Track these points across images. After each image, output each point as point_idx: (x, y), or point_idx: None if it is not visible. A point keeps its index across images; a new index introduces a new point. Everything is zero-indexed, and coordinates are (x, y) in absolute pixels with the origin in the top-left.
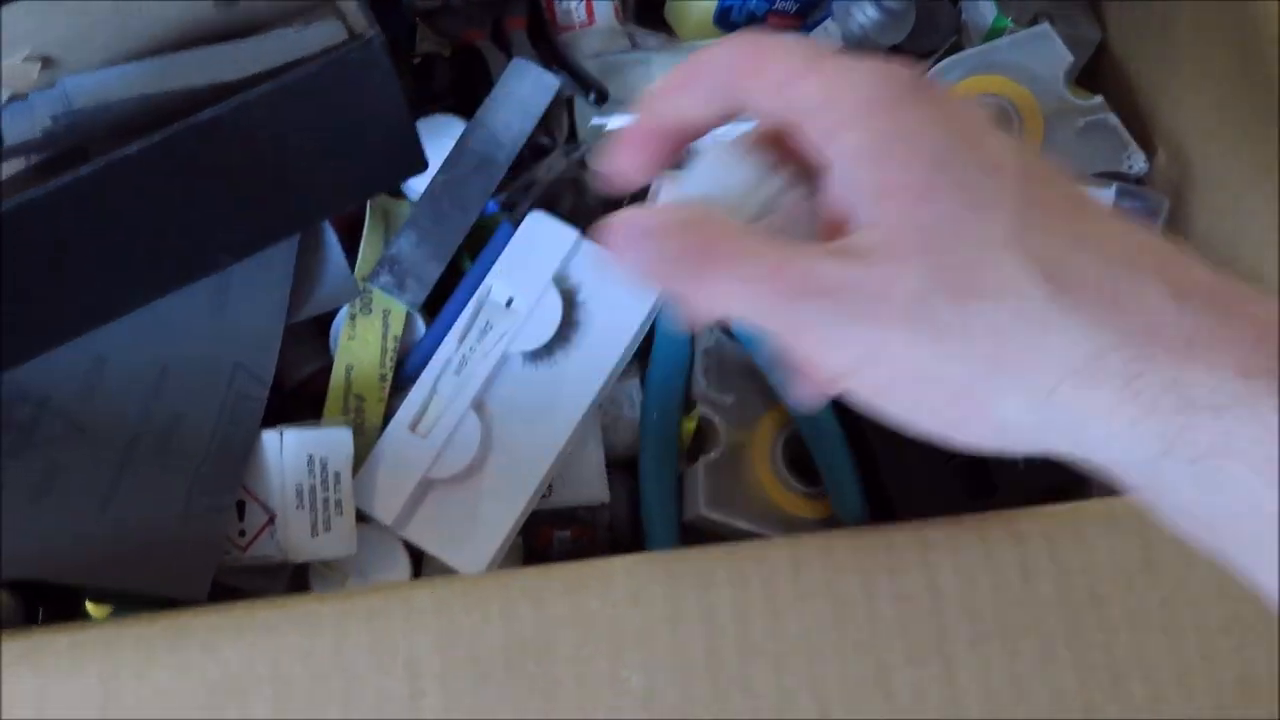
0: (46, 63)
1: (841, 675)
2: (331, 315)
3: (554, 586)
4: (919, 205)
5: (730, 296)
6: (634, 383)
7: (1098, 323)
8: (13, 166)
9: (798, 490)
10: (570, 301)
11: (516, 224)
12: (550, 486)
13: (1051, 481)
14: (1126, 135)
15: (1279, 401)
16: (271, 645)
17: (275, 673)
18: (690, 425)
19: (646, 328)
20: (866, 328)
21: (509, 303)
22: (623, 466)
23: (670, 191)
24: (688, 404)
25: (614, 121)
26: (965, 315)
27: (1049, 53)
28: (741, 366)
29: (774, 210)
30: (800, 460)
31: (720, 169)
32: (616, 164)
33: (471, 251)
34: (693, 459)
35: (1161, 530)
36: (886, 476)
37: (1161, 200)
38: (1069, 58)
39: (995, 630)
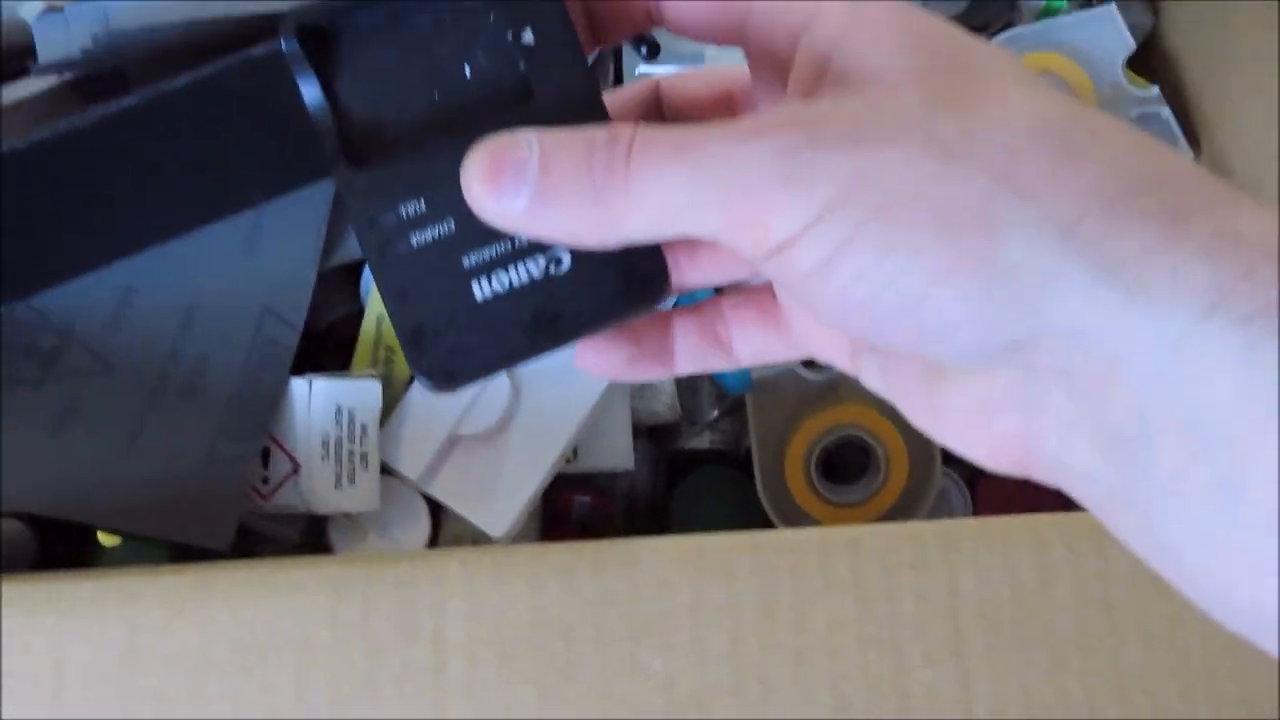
0: None
1: (862, 672)
2: (364, 263)
3: (581, 565)
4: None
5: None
6: None
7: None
8: (44, 82)
9: None
10: None
11: None
12: (575, 450)
13: None
14: (1178, 131)
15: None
16: (297, 606)
17: (302, 636)
18: None
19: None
20: (850, 152)
21: None
22: (646, 435)
23: None
24: None
25: (661, 73)
26: (971, 132)
27: (1110, 35)
28: None
29: None
30: None
31: None
32: None
33: None
34: None
35: None
36: None
37: None
38: (1130, 43)
39: (1010, 638)
